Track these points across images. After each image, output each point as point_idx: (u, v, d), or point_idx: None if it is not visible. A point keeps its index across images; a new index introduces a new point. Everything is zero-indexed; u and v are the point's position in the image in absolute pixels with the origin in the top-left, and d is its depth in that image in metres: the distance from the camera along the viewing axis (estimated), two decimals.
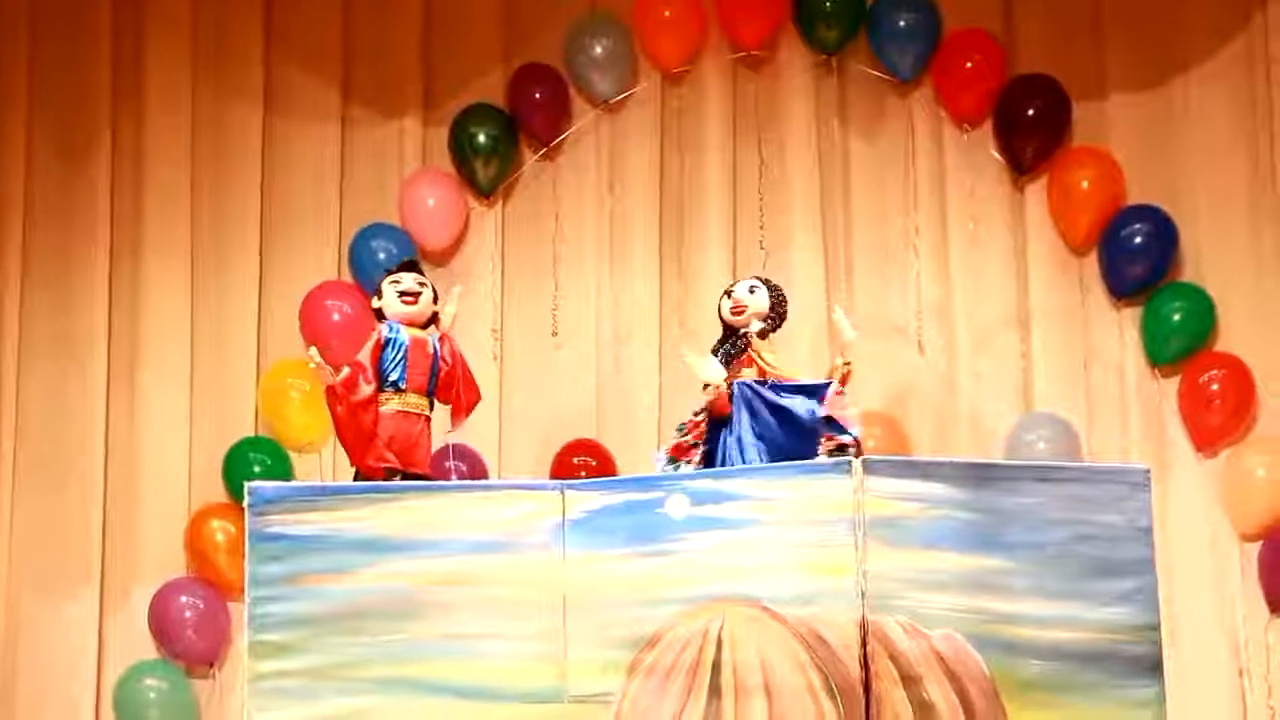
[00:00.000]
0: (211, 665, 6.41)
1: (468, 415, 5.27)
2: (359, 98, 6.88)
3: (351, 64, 6.89)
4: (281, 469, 6.44)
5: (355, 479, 5.14)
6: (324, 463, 6.44)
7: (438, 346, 5.23)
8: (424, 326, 5.27)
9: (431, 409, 5.22)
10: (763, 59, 6.80)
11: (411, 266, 5.39)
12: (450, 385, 5.21)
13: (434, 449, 5.23)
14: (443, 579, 4.98)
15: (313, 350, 5.24)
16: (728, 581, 4.81)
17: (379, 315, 5.28)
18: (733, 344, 5.17)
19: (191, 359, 6.68)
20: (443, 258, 6.68)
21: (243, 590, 5.03)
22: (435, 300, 5.30)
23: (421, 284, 5.28)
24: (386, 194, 6.81)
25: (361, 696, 4.92)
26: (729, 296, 5.27)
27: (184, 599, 6.38)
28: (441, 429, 5.24)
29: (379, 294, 5.30)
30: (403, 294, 5.24)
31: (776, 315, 5.19)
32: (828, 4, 6.73)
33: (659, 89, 6.82)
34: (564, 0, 6.86)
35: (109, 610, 6.50)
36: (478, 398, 5.29)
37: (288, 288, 6.71)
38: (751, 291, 5.24)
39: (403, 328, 5.22)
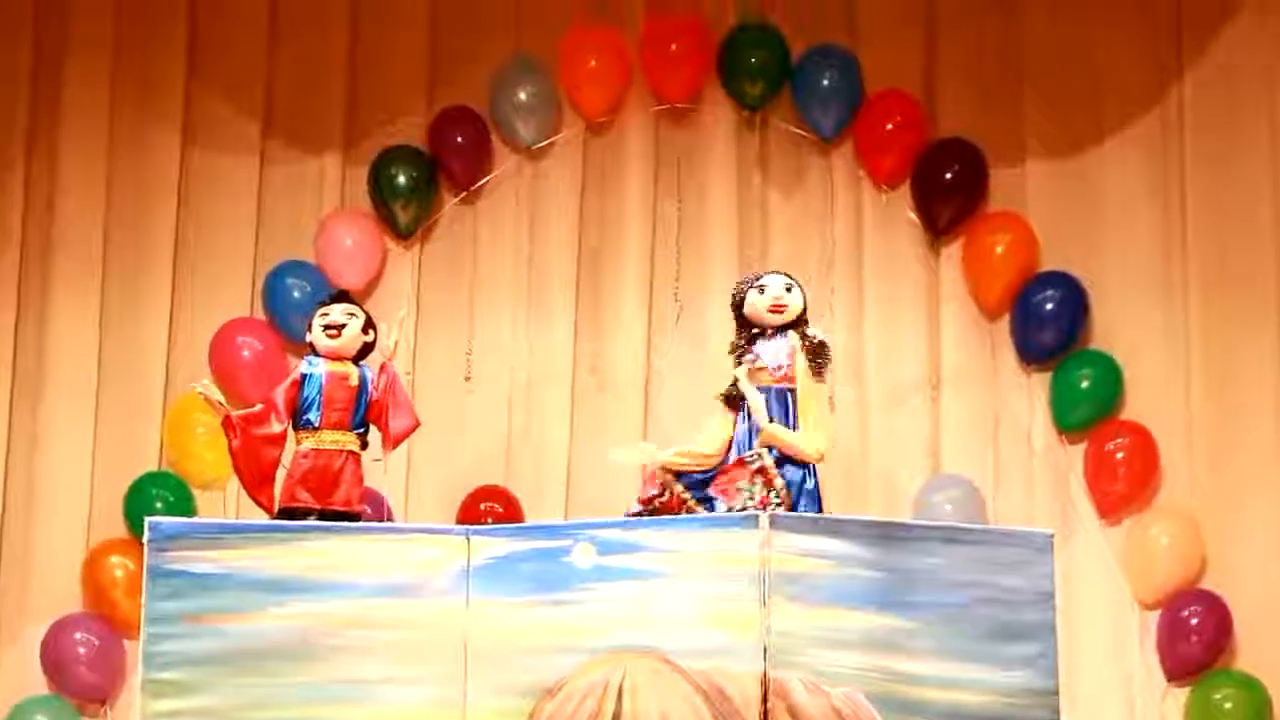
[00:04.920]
0: (104, 703, 6.29)
1: (394, 446, 5.24)
2: (280, 134, 6.83)
3: (274, 99, 6.85)
4: (184, 506, 6.35)
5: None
6: (228, 500, 6.35)
7: (368, 377, 5.18)
8: (358, 358, 5.22)
9: (363, 444, 5.17)
10: (686, 112, 6.82)
11: (341, 298, 5.35)
12: (380, 415, 5.17)
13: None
14: (345, 622, 4.92)
15: (206, 382, 5.20)
16: (632, 632, 4.79)
17: (311, 349, 5.24)
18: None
19: (97, 391, 6.58)
20: (359, 298, 6.62)
21: (139, 628, 4.96)
22: (368, 329, 5.24)
23: (351, 314, 5.23)
24: (303, 232, 6.75)
25: None
26: (760, 290, 5.10)
27: (78, 635, 6.26)
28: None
29: (309, 327, 5.26)
30: (327, 328, 5.20)
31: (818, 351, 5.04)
32: (752, 60, 6.76)
33: (582, 137, 6.82)
34: (489, 44, 6.83)
35: (0, 644, 6.38)
36: (411, 425, 5.23)
37: (199, 322, 6.63)
38: (789, 290, 5.12)
39: (323, 362, 5.17)
